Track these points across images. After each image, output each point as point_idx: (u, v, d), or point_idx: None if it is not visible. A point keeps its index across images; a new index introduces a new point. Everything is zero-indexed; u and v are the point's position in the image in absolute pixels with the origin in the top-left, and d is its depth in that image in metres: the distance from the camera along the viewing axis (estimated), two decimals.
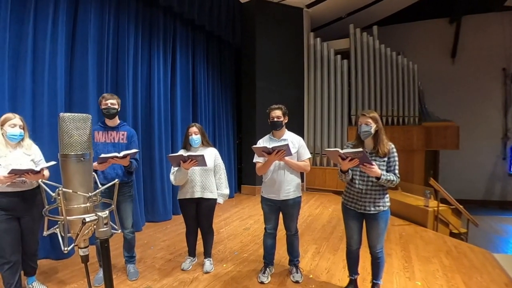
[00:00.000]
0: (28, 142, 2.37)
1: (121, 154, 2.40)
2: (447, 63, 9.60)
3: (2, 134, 2.22)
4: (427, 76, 8.86)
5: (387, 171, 2.26)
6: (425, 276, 2.95)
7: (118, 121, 2.80)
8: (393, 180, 2.21)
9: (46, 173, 2.27)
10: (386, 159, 2.27)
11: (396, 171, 2.25)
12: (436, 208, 4.82)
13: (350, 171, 2.32)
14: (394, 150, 2.29)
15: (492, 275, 2.99)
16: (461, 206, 5.10)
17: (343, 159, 2.12)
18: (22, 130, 2.29)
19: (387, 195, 2.35)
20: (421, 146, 7.28)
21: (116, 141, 2.72)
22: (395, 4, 8.34)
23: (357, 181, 2.34)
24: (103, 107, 2.66)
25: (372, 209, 2.30)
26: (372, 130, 2.26)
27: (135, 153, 2.53)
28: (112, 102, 2.66)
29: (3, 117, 2.24)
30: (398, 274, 2.98)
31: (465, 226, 5.32)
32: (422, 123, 7.41)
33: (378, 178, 2.19)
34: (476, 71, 9.24)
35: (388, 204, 2.34)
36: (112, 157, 2.37)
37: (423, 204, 5.02)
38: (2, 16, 2.92)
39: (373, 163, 2.15)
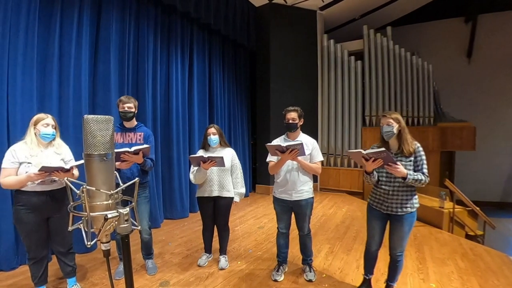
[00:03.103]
0: (58, 141, 2.40)
1: (132, 149, 2.43)
2: (463, 63, 9.39)
3: (35, 133, 2.25)
4: (442, 76, 8.72)
5: (414, 171, 2.21)
6: (439, 278, 2.92)
7: (135, 123, 2.86)
8: (422, 179, 2.15)
9: (76, 172, 2.32)
10: (412, 158, 2.23)
11: (425, 170, 2.19)
12: (451, 210, 4.76)
13: (375, 173, 2.31)
14: (420, 149, 2.25)
15: (509, 279, 2.93)
16: (477, 208, 5.02)
17: (366, 160, 2.11)
18: (54, 130, 2.32)
19: (416, 196, 2.30)
20: (436, 147, 7.17)
21: (133, 141, 2.79)
22: (409, 5, 8.24)
23: (383, 182, 2.32)
24: (120, 110, 2.74)
25: (399, 210, 2.26)
26: (395, 130, 2.24)
27: (146, 148, 2.55)
28: (129, 105, 2.73)
29: (36, 117, 2.28)
30: (412, 276, 2.96)
31: (481, 228, 5.24)
32: (437, 124, 7.30)
33: (404, 178, 2.15)
34: (493, 70, 9.01)
35: (417, 205, 2.29)
36: (124, 152, 2.41)
37: (438, 206, 4.97)
38: (30, 23, 3.10)
39: (398, 163, 2.13)
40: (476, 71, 9.24)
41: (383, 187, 2.32)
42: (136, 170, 2.79)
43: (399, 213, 2.27)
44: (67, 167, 2.13)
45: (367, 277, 2.62)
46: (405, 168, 2.16)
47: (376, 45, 7.47)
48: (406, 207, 2.25)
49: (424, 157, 2.24)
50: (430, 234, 4.35)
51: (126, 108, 2.73)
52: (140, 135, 2.84)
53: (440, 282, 2.84)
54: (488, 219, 5.14)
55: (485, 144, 8.33)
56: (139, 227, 1.31)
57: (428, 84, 7.38)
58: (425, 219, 4.96)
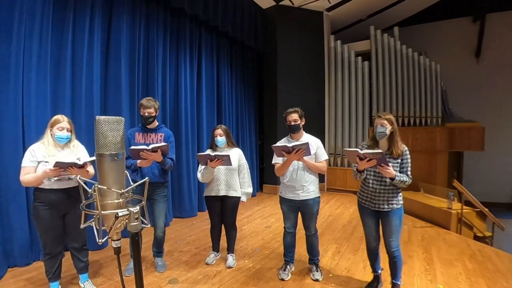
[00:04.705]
0: (75, 143, 2.49)
1: (150, 147, 2.48)
2: (471, 62, 9.27)
3: (51, 135, 2.35)
4: (450, 76, 8.63)
5: (400, 172, 2.33)
6: (447, 279, 2.90)
7: (157, 123, 2.95)
8: (406, 181, 2.29)
9: (91, 170, 2.39)
10: (399, 160, 2.35)
11: (409, 172, 2.33)
12: (460, 211, 4.72)
13: (365, 171, 2.42)
14: (408, 152, 2.37)
15: None
16: (486, 209, 4.97)
17: (361, 159, 2.21)
18: (69, 133, 2.40)
19: (400, 194, 2.43)
20: (444, 148, 7.09)
21: (154, 142, 2.86)
22: (416, 5, 8.20)
23: (371, 181, 2.43)
24: (141, 114, 2.82)
25: (386, 207, 2.38)
26: (387, 132, 2.34)
27: (165, 146, 2.60)
28: (149, 111, 2.79)
29: (54, 118, 2.38)
30: (419, 276, 2.95)
31: (490, 229, 5.18)
32: (445, 124, 7.23)
33: (392, 179, 2.26)
34: (502, 70, 8.86)
35: (401, 202, 2.41)
36: (142, 150, 2.47)
37: (446, 206, 4.93)
38: (44, 29, 3.20)
39: (390, 164, 2.23)
40: (484, 71, 9.11)
41: (370, 185, 2.43)
42: (157, 170, 2.86)
43: (386, 209, 2.38)
44: (80, 163, 2.19)
45: (376, 273, 2.68)
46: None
47: (383, 45, 7.45)
48: (392, 204, 2.37)
49: (409, 160, 2.36)
50: (438, 235, 4.33)
51: (146, 114, 2.80)
52: (161, 136, 2.91)
53: (447, 284, 2.82)
54: (497, 220, 5.09)
55: (494, 145, 8.21)
56: (149, 225, 1.35)
57: (436, 84, 7.32)
58: (433, 220, 4.94)
